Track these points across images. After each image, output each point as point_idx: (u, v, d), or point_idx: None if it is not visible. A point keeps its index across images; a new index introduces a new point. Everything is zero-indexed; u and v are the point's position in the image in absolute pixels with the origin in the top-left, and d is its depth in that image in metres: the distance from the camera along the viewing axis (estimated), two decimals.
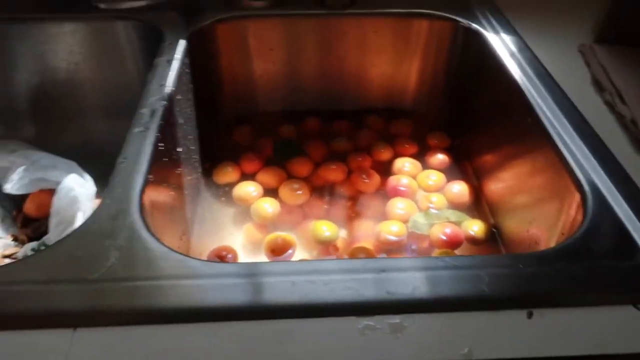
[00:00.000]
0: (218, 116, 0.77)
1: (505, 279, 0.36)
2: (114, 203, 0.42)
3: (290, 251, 0.61)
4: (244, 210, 0.66)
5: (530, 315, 0.35)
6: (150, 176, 0.45)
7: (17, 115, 0.79)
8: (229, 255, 0.62)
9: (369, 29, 0.72)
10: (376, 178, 0.70)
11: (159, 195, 0.49)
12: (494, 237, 0.63)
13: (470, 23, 0.68)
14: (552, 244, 0.49)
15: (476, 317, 0.35)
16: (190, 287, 0.35)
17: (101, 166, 0.75)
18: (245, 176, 0.71)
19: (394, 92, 0.79)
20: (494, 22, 0.68)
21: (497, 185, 0.65)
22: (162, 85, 0.55)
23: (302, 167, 0.70)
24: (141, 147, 0.47)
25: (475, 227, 0.63)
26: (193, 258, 0.38)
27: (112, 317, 0.34)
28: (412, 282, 0.36)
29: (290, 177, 0.70)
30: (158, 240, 0.39)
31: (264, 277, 0.36)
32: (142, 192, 0.43)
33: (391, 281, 0.36)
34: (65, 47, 0.72)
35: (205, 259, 0.60)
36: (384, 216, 0.66)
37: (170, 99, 0.55)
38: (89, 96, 0.77)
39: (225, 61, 0.73)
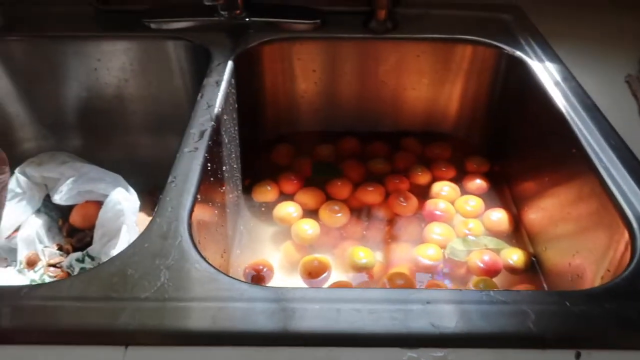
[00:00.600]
0: (259, 135, 0.78)
1: (552, 317, 0.36)
2: (165, 222, 0.43)
3: (325, 274, 0.62)
4: (283, 229, 0.67)
5: (578, 356, 0.34)
6: (199, 196, 0.47)
7: (66, 128, 0.83)
8: (265, 269, 0.63)
9: (411, 53, 0.73)
10: (413, 201, 0.71)
11: (204, 214, 0.50)
12: (534, 267, 0.63)
13: (514, 50, 0.68)
14: (598, 280, 0.48)
15: (522, 354, 0.35)
16: (238, 310, 0.36)
17: (143, 179, 0.78)
18: (284, 195, 0.72)
19: (433, 115, 0.80)
20: (538, 51, 0.68)
21: (538, 214, 0.64)
22: (211, 107, 0.57)
23: (340, 190, 0.71)
24: (190, 168, 0.49)
25: (514, 256, 0.62)
26: (241, 281, 0.38)
27: (161, 337, 0.35)
28: (457, 316, 0.36)
29: (328, 198, 0.71)
30: (206, 260, 0.40)
31: (310, 303, 0.36)
32: (191, 211, 0.45)
33: (436, 313, 0.36)
34: (117, 64, 0.74)
35: (243, 273, 0.62)
36: (420, 240, 0.66)
37: (218, 119, 0.56)
38: (136, 112, 0.80)
39: (269, 81, 0.74)
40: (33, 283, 0.64)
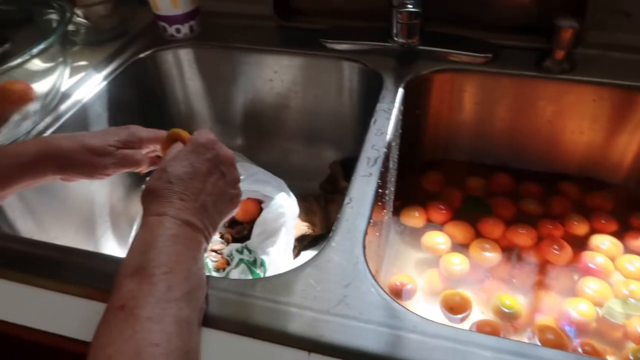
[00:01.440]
0: (414, 158, 0.80)
1: None
2: (342, 242, 0.47)
3: (467, 312, 0.62)
4: (429, 257, 0.69)
5: None
6: (371, 220, 0.50)
7: (235, 127, 0.91)
8: (409, 286, 0.65)
9: (587, 97, 0.70)
10: (567, 251, 0.68)
11: (371, 235, 0.53)
12: None
13: None
14: None
15: None
16: (412, 342, 0.38)
17: (295, 184, 0.84)
18: (431, 223, 0.73)
19: (600, 162, 0.75)
20: None
21: None
22: (383, 134, 0.60)
23: (492, 229, 0.71)
24: (365, 192, 0.52)
25: None
26: (413, 313, 0.41)
27: (341, 352, 0.39)
28: None
29: (477, 233, 0.71)
30: (379, 285, 0.43)
31: (483, 350, 0.37)
32: (365, 234, 0.48)
33: None
34: (290, 76, 0.81)
35: (390, 284, 0.64)
36: (572, 293, 0.64)
37: (389, 146, 0.59)
38: (297, 121, 0.86)
39: (433, 108, 0.76)
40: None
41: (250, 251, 0.73)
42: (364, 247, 0.46)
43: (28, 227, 0.61)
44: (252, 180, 0.76)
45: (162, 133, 0.52)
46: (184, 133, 0.49)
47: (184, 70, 0.84)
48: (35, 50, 0.53)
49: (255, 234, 0.73)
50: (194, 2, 0.80)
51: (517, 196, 0.77)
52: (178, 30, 0.81)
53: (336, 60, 0.76)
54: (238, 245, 0.76)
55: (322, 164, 0.88)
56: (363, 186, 0.53)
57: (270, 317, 0.41)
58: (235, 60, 0.82)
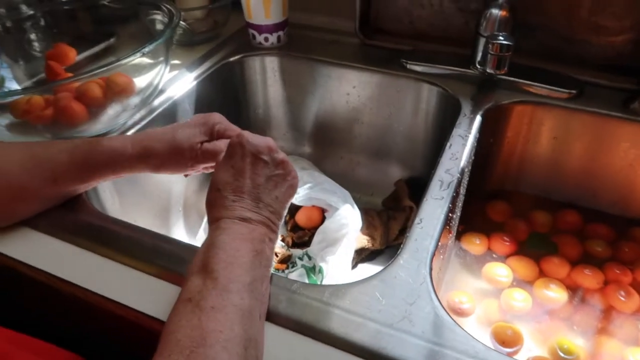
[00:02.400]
0: (482, 185, 0.80)
1: None
2: (410, 260, 0.48)
3: (518, 348, 0.62)
4: (488, 288, 0.68)
5: None
6: (440, 242, 0.51)
7: (305, 135, 0.95)
8: (466, 305, 0.65)
9: None
10: (635, 299, 0.66)
11: (436, 257, 0.54)
12: None
13: None
14: None
15: None
16: None
17: (357, 196, 0.86)
18: (492, 252, 0.73)
19: None
20: None
21: None
22: (457, 159, 0.61)
23: (557, 269, 0.69)
24: (435, 214, 0.53)
25: None
26: (476, 340, 0.41)
27: None
28: None
29: (541, 271, 0.70)
30: (443, 307, 0.44)
31: None
32: (433, 256, 0.49)
33: None
34: (368, 92, 0.83)
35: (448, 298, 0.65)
36: (635, 342, 0.62)
37: (462, 172, 0.60)
38: (369, 136, 0.88)
39: (509, 138, 0.76)
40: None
41: (310, 257, 0.76)
42: (431, 269, 0.48)
43: (114, 207, 0.66)
44: (318, 188, 0.79)
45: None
46: None
47: (267, 76, 0.88)
48: (145, 50, 0.58)
49: (316, 241, 0.75)
50: (284, 14, 0.84)
51: (584, 236, 0.75)
52: (266, 39, 0.85)
53: (415, 82, 0.78)
54: (300, 252, 0.78)
55: (387, 181, 0.89)
56: (434, 209, 0.54)
57: (336, 323, 0.42)
58: (317, 72, 0.85)
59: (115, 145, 0.52)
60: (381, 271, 0.47)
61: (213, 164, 0.54)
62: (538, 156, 0.78)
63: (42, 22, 0.78)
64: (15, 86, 0.72)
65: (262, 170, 0.46)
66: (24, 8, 0.77)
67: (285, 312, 0.44)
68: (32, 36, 0.78)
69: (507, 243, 0.73)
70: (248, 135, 0.47)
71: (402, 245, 0.50)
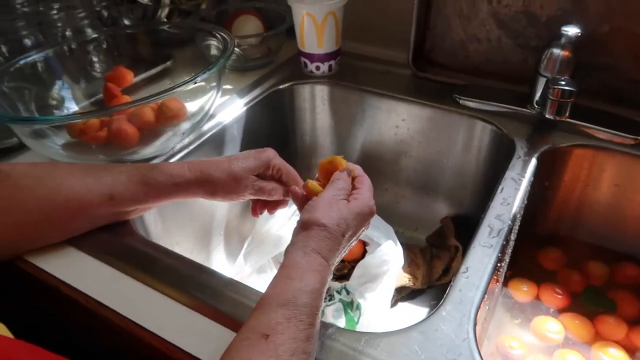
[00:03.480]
0: (534, 230, 0.76)
1: None
2: (453, 312, 0.46)
3: None
4: (537, 343, 0.64)
5: None
6: (486, 295, 0.48)
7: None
8: (517, 352, 0.61)
9: None
10: None
11: (482, 309, 0.51)
12: None
13: None
14: None
15: None
16: None
17: (401, 230, 0.83)
18: (541, 303, 0.69)
19: None
20: None
21: None
22: (509, 204, 0.58)
23: (614, 330, 0.65)
24: (483, 264, 0.50)
25: None
26: None
27: None
28: None
29: (596, 332, 0.65)
30: None
31: None
32: (478, 309, 0.46)
33: None
34: (418, 126, 0.81)
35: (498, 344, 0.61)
36: None
37: (514, 219, 0.57)
38: (415, 169, 0.86)
39: (565, 184, 0.72)
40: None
41: (348, 292, 0.74)
42: (475, 324, 0.45)
43: (157, 230, 0.67)
44: None
45: (295, 175, 0.57)
46: (339, 161, 0.52)
47: (316, 104, 0.88)
48: (199, 78, 0.59)
49: (355, 275, 0.73)
50: (337, 44, 0.84)
51: None
52: (318, 68, 0.85)
53: (468, 118, 0.75)
54: (338, 285, 0.76)
55: (433, 217, 0.86)
56: (482, 257, 0.51)
57: None
58: (366, 103, 0.84)
59: (173, 169, 0.53)
60: (421, 322, 0.45)
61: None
62: (597, 202, 0.73)
63: (105, 45, 0.82)
64: (73, 106, 0.75)
65: (361, 233, 0.49)
66: (89, 31, 0.80)
67: (319, 358, 0.42)
68: (94, 58, 0.81)
69: (560, 296, 0.69)
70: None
71: (445, 295, 0.48)
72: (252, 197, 0.56)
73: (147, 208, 0.57)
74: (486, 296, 0.48)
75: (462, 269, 0.50)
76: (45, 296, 0.53)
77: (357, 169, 0.53)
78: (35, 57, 0.71)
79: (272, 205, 0.59)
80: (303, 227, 0.45)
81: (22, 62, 0.69)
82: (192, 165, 0.53)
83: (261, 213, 0.59)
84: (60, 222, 0.52)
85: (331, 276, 0.45)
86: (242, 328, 0.38)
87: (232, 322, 0.45)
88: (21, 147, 0.68)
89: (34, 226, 0.51)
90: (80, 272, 0.51)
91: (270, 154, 0.56)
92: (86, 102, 0.76)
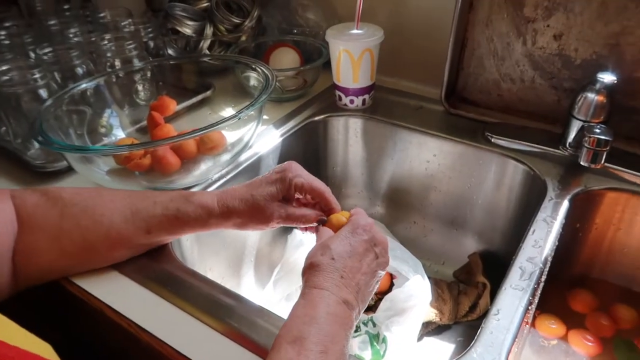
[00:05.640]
0: (564, 270, 0.76)
1: None
2: (484, 354, 0.46)
3: None
4: None
5: None
6: (517, 339, 0.49)
7: (380, 196, 0.95)
8: None
9: None
10: None
11: (512, 352, 0.51)
12: None
13: None
14: None
15: None
16: None
17: (427, 264, 0.84)
18: (568, 347, 0.68)
19: None
20: None
21: None
22: (540, 247, 0.59)
23: None
24: (514, 307, 0.51)
25: None
26: None
27: None
28: None
29: None
30: None
31: None
32: (509, 352, 0.47)
33: None
34: (449, 162, 0.82)
35: None
36: None
37: (545, 261, 0.57)
38: (445, 203, 0.87)
39: (598, 226, 0.72)
40: None
41: (374, 324, 0.74)
42: None
43: (193, 256, 0.69)
44: (390, 255, 0.78)
45: (321, 191, 0.56)
46: (342, 216, 0.54)
47: (349, 136, 0.90)
48: (242, 114, 0.61)
49: (382, 308, 0.74)
50: (372, 79, 0.86)
51: None
52: (352, 101, 0.87)
53: (500, 157, 0.76)
54: (365, 317, 0.77)
55: (461, 252, 0.87)
56: (513, 300, 0.52)
57: None
58: (398, 137, 0.86)
59: (205, 202, 0.55)
60: None
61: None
62: (629, 246, 0.73)
63: (149, 74, 0.86)
64: (121, 133, 0.78)
65: (372, 262, 0.49)
66: (136, 62, 0.84)
67: None
68: (139, 86, 0.85)
69: (590, 343, 0.68)
70: (369, 220, 0.51)
71: (476, 336, 0.48)
72: (284, 225, 0.56)
73: (183, 235, 0.60)
74: (517, 339, 0.49)
75: (494, 311, 0.51)
76: (88, 317, 0.56)
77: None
78: (87, 85, 0.75)
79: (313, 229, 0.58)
80: (302, 275, 0.48)
81: (75, 89, 0.73)
82: (221, 199, 0.54)
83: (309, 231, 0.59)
84: (101, 251, 0.55)
85: (339, 299, 0.45)
86: None
87: (263, 351, 0.47)
88: (69, 170, 0.72)
89: (78, 254, 0.54)
90: (123, 295, 0.53)
91: (289, 174, 0.54)
92: (132, 129, 0.80)
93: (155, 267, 0.56)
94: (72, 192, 0.56)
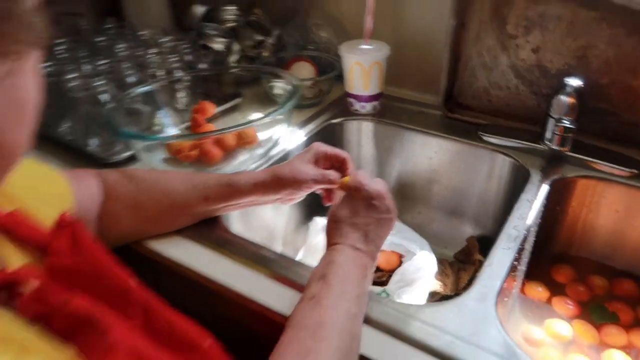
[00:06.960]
0: (547, 248, 0.89)
1: None
2: (482, 290, 0.59)
3: None
4: (550, 341, 0.76)
5: None
6: (505, 284, 0.61)
7: (389, 190, 1.08)
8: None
9: None
10: None
11: (503, 295, 0.64)
12: None
13: None
14: None
15: None
16: None
17: (432, 247, 0.96)
18: (552, 311, 0.81)
19: None
20: None
21: None
22: (524, 219, 0.72)
23: (617, 338, 0.75)
24: (503, 260, 0.64)
25: None
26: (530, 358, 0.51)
27: None
28: None
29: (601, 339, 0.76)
30: (505, 331, 0.54)
31: None
32: (500, 289, 0.59)
33: None
34: (447, 159, 0.96)
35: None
36: None
37: (528, 230, 0.71)
38: (445, 196, 1.00)
39: (572, 209, 0.85)
40: None
41: (387, 295, 0.87)
42: (496, 302, 0.58)
43: (238, 228, 0.82)
44: (399, 236, 0.91)
45: (341, 153, 0.69)
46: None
47: (361, 137, 1.04)
48: (274, 114, 0.76)
49: (394, 281, 0.87)
50: (380, 87, 1.00)
51: (637, 302, 0.82)
52: (363, 107, 1.01)
53: (491, 152, 0.90)
54: (379, 289, 0.90)
55: (460, 236, 1.00)
56: (502, 256, 0.65)
57: (419, 332, 0.54)
58: (404, 138, 1.00)
59: (251, 173, 0.68)
60: (455, 298, 0.59)
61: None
62: (600, 226, 0.86)
63: (188, 83, 0.99)
64: (172, 131, 0.92)
65: (373, 213, 0.60)
66: (176, 72, 0.98)
67: (377, 319, 0.56)
68: (179, 94, 0.99)
69: (570, 306, 0.81)
70: (365, 179, 0.62)
71: (473, 281, 0.61)
72: (318, 186, 0.67)
73: (233, 207, 0.71)
74: (505, 286, 0.62)
75: (487, 263, 0.64)
76: (158, 275, 0.68)
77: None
78: (141, 90, 0.89)
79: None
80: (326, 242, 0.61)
81: (133, 93, 0.87)
82: (265, 170, 0.68)
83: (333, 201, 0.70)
84: (168, 218, 0.68)
85: (349, 247, 0.57)
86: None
87: (300, 288, 0.60)
88: (129, 160, 0.85)
89: (150, 220, 0.67)
90: (188, 254, 0.66)
91: (314, 146, 0.68)
92: (179, 128, 0.93)
93: (212, 233, 0.69)
94: (142, 171, 0.70)
